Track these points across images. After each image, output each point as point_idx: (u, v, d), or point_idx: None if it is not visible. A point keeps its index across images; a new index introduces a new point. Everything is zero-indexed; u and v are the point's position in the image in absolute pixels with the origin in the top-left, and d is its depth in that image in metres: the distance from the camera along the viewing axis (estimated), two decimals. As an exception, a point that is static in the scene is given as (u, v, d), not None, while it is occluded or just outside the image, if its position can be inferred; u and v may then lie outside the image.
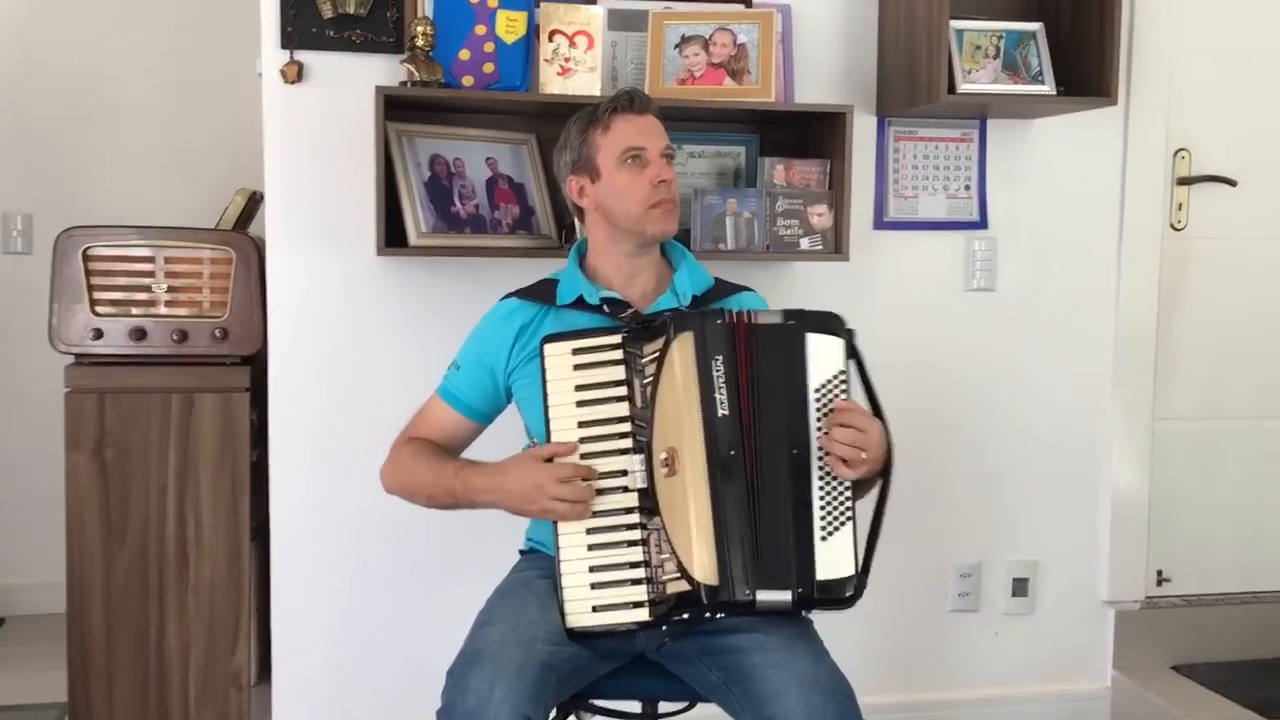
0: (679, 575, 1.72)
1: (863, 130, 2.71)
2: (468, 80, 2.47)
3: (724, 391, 1.75)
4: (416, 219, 2.42)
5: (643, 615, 1.76)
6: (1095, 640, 3.00)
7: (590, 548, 1.78)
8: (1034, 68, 2.61)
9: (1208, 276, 3.01)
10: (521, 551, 2.09)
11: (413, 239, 2.41)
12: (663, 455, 1.75)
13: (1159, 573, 3.03)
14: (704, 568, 1.71)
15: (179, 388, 2.57)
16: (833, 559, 1.73)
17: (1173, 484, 3.02)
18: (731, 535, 1.72)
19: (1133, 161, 2.89)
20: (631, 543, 1.77)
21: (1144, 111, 2.88)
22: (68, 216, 2.88)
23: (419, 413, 2.07)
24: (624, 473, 1.79)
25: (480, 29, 2.47)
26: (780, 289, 2.65)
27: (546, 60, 2.46)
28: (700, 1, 2.61)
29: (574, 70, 2.46)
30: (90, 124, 3.62)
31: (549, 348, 1.83)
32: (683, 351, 1.76)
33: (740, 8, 2.60)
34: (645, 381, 1.78)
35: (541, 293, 2.02)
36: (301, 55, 2.51)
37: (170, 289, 2.59)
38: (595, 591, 1.77)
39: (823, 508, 1.75)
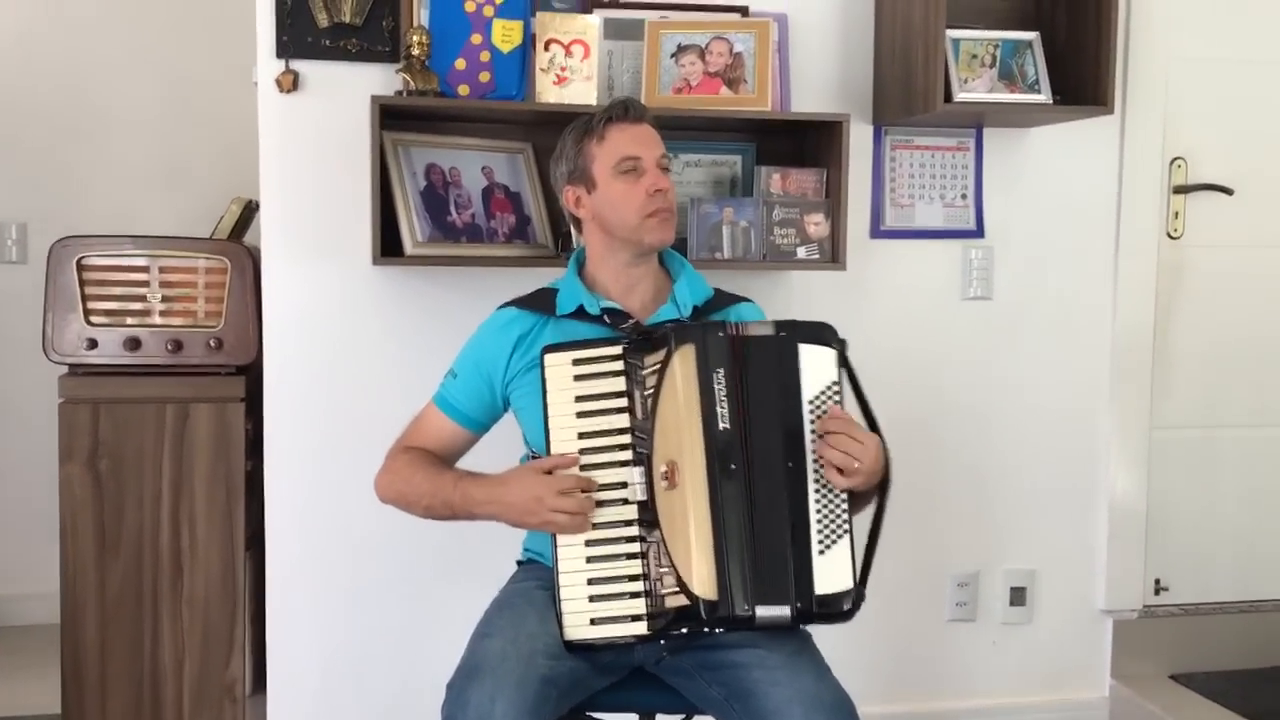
0: (678, 589, 1.71)
1: (859, 139, 2.71)
2: (464, 89, 2.47)
3: (725, 405, 1.74)
4: (412, 228, 2.41)
5: (641, 629, 1.75)
6: (1093, 650, 2.99)
7: (589, 560, 1.77)
8: (1030, 77, 2.61)
9: (1204, 285, 3.01)
10: (519, 562, 2.08)
11: (408, 248, 2.40)
12: (663, 468, 1.74)
13: (1157, 582, 3.03)
14: (703, 582, 1.70)
15: (174, 398, 2.57)
16: (830, 573, 1.72)
17: (1170, 493, 3.01)
18: (731, 550, 1.71)
19: (1129, 170, 2.89)
20: (630, 555, 1.76)
21: (1140, 120, 2.88)
22: (63, 226, 2.87)
23: (414, 421, 2.06)
24: (624, 485, 1.78)
25: (476, 38, 2.47)
26: (777, 298, 2.65)
27: (542, 69, 2.45)
28: (696, 11, 2.61)
29: (570, 79, 2.46)
30: (85, 133, 3.61)
31: (549, 358, 1.82)
32: (684, 364, 1.75)
33: (736, 17, 2.60)
34: (646, 393, 1.77)
35: (540, 302, 2.01)
36: (297, 64, 2.50)
37: (165, 299, 2.58)
38: (594, 604, 1.76)
39: (819, 521, 1.74)
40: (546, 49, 2.45)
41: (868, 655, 2.78)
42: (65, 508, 2.55)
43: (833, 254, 2.56)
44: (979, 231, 2.84)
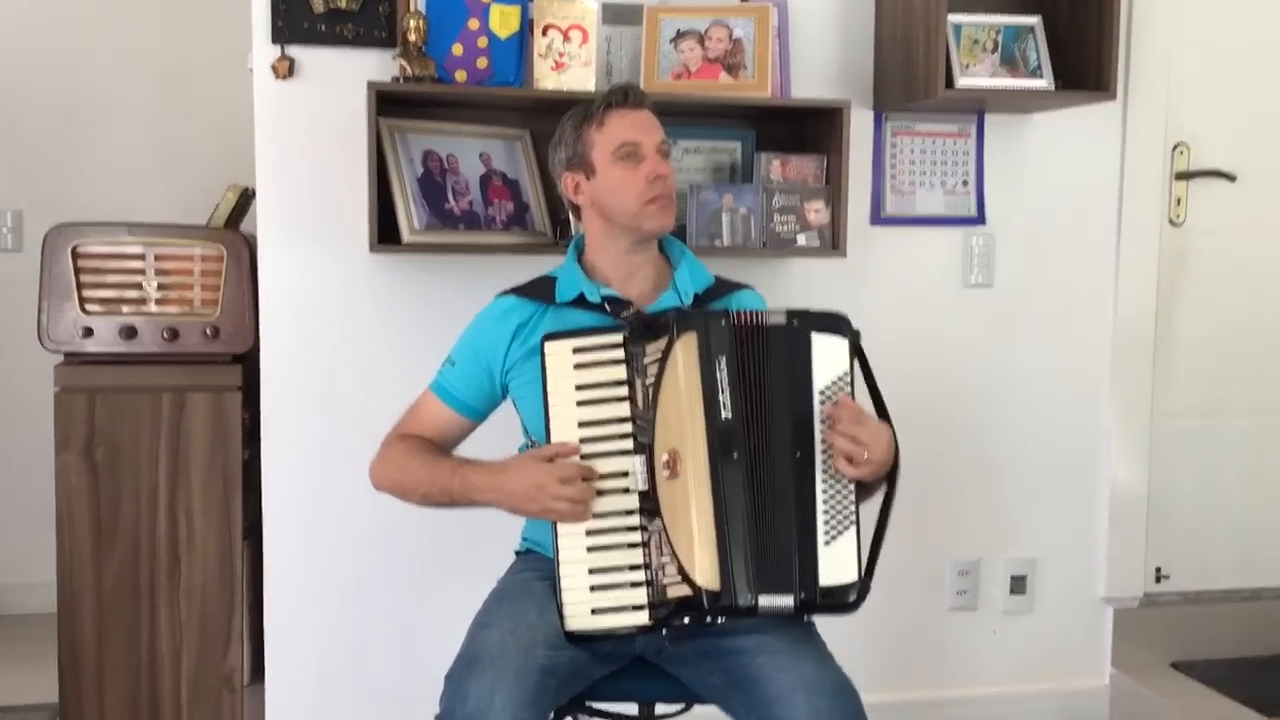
0: (680, 579, 1.69)
1: (860, 125, 2.69)
2: (461, 75, 2.45)
3: (728, 393, 1.72)
4: (409, 216, 2.39)
5: (643, 618, 1.74)
6: (1094, 638, 2.99)
7: (590, 549, 1.76)
8: (1032, 62, 2.59)
9: (1206, 272, 3.00)
10: (518, 552, 2.07)
11: (406, 236, 2.39)
12: (664, 457, 1.73)
13: (1158, 570, 3.02)
14: (705, 572, 1.69)
15: (170, 386, 2.55)
16: (836, 564, 1.71)
17: (1171, 480, 3.01)
18: (734, 539, 1.69)
19: (1131, 156, 2.87)
20: (632, 545, 1.75)
21: (1142, 106, 2.86)
22: (58, 213, 2.85)
23: (411, 408, 2.04)
24: (624, 474, 1.77)
25: (474, 23, 2.45)
26: (777, 286, 2.63)
27: (540, 55, 2.43)
28: (696, -5, 2.59)
29: (568, 65, 2.44)
30: (80, 120, 3.60)
31: (549, 346, 1.81)
32: (686, 352, 1.74)
33: (736, 2, 2.58)
34: (647, 382, 1.76)
35: (539, 290, 1.99)
36: (293, 50, 2.48)
37: (161, 287, 2.56)
38: (595, 594, 1.75)
39: (826, 512, 1.73)
40: (544, 34, 2.43)
41: (868, 643, 2.77)
42: (61, 497, 2.54)
43: (833, 241, 2.54)
44: (980, 218, 2.82)
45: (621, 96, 1.95)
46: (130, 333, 2.54)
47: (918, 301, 2.81)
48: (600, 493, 1.77)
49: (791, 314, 1.78)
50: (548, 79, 2.44)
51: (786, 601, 1.69)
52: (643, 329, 1.79)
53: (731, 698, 1.75)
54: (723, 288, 2.03)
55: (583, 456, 1.78)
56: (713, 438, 1.72)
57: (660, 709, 1.97)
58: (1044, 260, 2.87)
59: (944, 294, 2.83)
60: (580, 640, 1.75)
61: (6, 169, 3.58)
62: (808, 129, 2.64)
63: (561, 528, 1.77)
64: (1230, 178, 2.96)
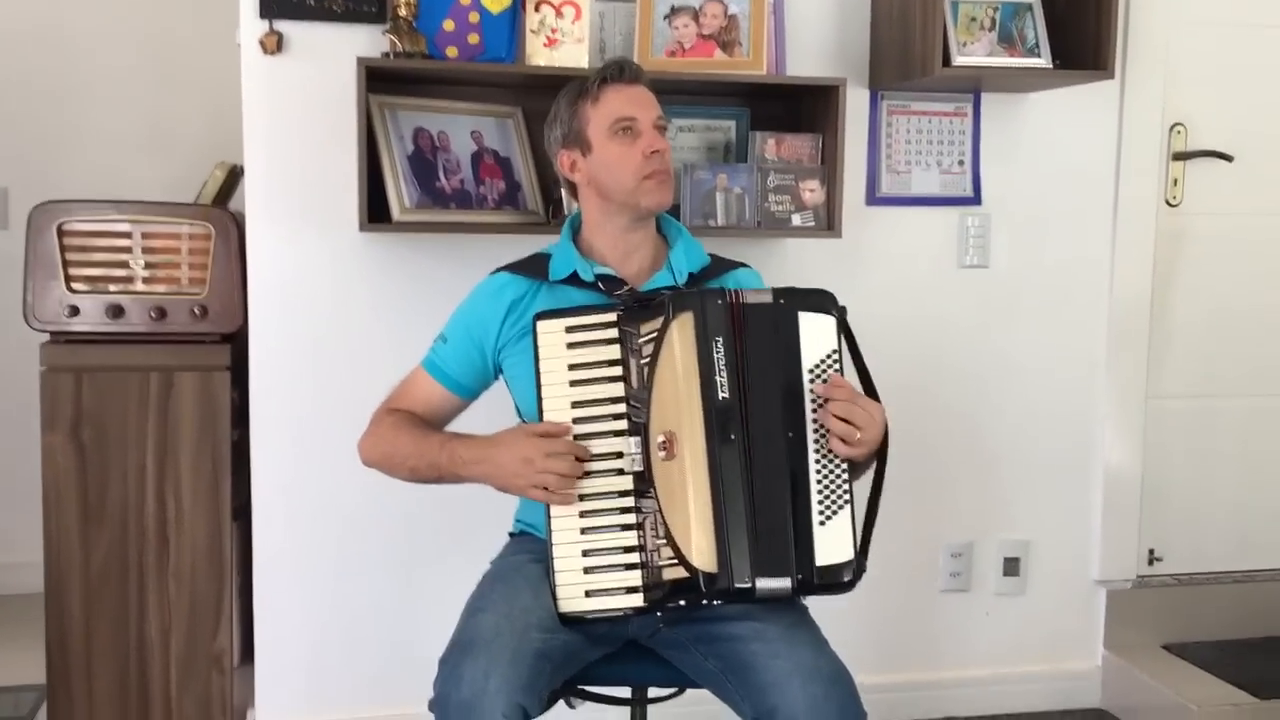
0: (675, 561, 1.68)
1: (855, 104, 2.67)
2: (452, 51, 2.42)
3: (724, 374, 1.71)
4: (400, 194, 2.37)
5: (637, 601, 1.72)
6: (1086, 620, 2.99)
7: (584, 531, 1.74)
8: (1030, 40, 2.56)
9: (1203, 253, 2.99)
10: (511, 534, 2.05)
11: (396, 214, 2.36)
12: (660, 438, 1.71)
13: (1151, 552, 3.02)
14: (703, 555, 1.67)
15: (158, 366, 2.53)
16: (831, 543, 1.69)
17: (1165, 463, 3.00)
18: (732, 522, 1.68)
19: (1128, 136, 2.85)
20: (626, 526, 1.74)
21: (1140, 85, 2.84)
22: (45, 190, 2.82)
23: (401, 385, 2.02)
24: (618, 454, 1.75)
25: (465, -1, 2.41)
26: (771, 266, 2.60)
27: (533, 31, 2.41)
28: (690, -29, 2.56)
29: (561, 41, 2.41)
30: (66, 96, 3.56)
31: (542, 325, 1.78)
32: (682, 332, 1.72)
33: (731, -22, 2.55)
34: (642, 362, 1.74)
35: (534, 267, 1.97)
36: (281, 25, 2.45)
37: (148, 265, 2.54)
38: (589, 576, 1.73)
39: (820, 491, 1.71)
40: (537, 10, 2.40)
41: (861, 625, 2.77)
42: (48, 478, 2.51)
43: (828, 221, 2.52)
44: (976, 199, 2.80)
45: (617, 71, 1.92)
46: (117, 311, 2.51)
47: (912, 282, 2.79)
48: (594, 473, 1.75)
49: (778, 292, 1.76)
50: (540, 55, 2.41)
51: (784, 583, 1.67)
52: (637, 308, 1.77)
53: (726, 683, 1.74)
54: (720, 266, 2.01)
55: (576, 437, 1.76)
56: (710, 419, 1.70)
57: (653, 692, 1.96)
58: (1040, 241, 2.85)
59: (939, 275, 2.81)
60: (574, 623, 1.74)
61: (-8, 145, 3.55)
62: (803, 107, 2.61)
63: (554, 509, 1.76)
64: (1228, 158, 2.95)
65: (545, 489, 1.74)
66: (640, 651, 1.87)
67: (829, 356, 1.75)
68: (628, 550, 1.73)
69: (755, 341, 1.73)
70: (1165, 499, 3.01)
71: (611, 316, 1.78)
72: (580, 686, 1.87)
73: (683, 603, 1.70)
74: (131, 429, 2.52)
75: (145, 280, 2.53)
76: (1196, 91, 2.92)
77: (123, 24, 3.56)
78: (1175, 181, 2.95)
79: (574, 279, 1.93)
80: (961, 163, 2.78)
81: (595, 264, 1.94)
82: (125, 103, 3.58)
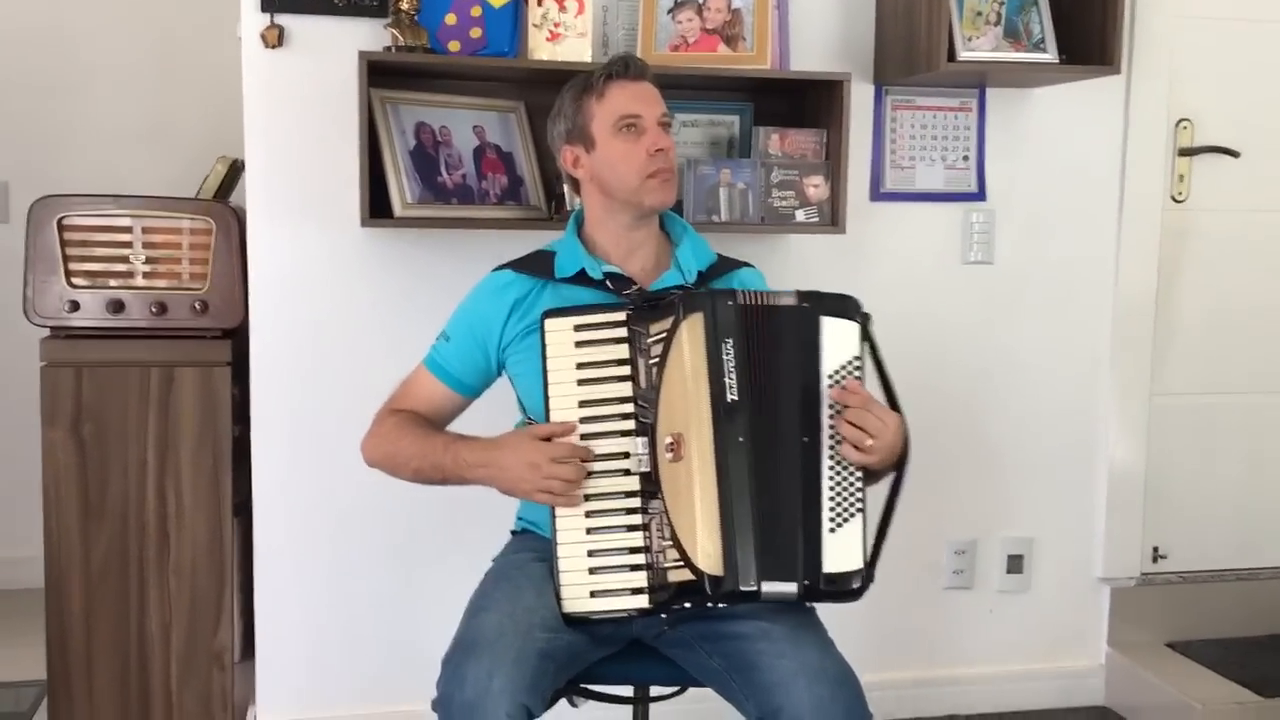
0: (681, 563, 1.67)
1: (859, 99, 2.66)
2: (454, 46, 2.40)
3: (734, 376, 1.69)
4: (401, 189, 2.35)
5: (642, 602, 1.71)
6: (1090, 617, 2.98)
7: (589, 531, 1.73)
8: (1036, 35, 2.55)
9: (1208, 250, 2.97)
10: (513, 531, 2.04)
11: (398, 210, 2.35)
12: (668, 439, 1.69)
13: (1155, 549, 3.01)
14: (709, 557, 1.66)
15: (158, 361, 2.52)
16: (841, 551, 1.68)
17: (1170, 460, 2.99)
18: (739, 524, 1.66)
19: (1134, 132, 2.84)
20: (631, 527, 1.72)
21: (1146, 81, 2.83)
22: (45, 184, 2.80)
23: (404, 384, 2.01)
24: (625, 455, 1.74)
25: (467, -8, 2.40)
26: (774, 262, 2.60)
27: (535, 25, 2.39)
28: (694, -35, 2.54)
29: (564, 36, 2.39)
30: (67, 90, 3.55)
31: (550, 323, 1.77)
32: (692, 333, 1.70)
33: (735, -28, 2.54)
34: (651, 362, 1.72)
35: (538, 265, 1.95)
36: (282, 19, 2.43)
37: (149, 260, 2.52)
38: (594, 576, 1.72)
39: (833, 498, 1.70)
40: (540, 4, 2.39)
41: (863, 622, 2.73)
42: (48, 474, 2.50)
43: (832, 217, 2.51)
44: (980, 194, 2.79)
45: (622, 67, 1.91)
46: (118, 306, 2.50)
47: (916, 279, 2.78)
48: (600, 473, 1.73)
49: (802, 295, 1.75)
50: (542, 50, 2.39)
51: (790, 588, 1.66)
52: (647, 308, 1.76)
53: (730, 683, 1.73)
54: (725, 265, 2.00)
55: (583, 437, 1.75)
56: (718, 420, 1.68)
57: (655, 691, 1.96)
58: (1044, 237, 2.84)
59: (943, 271, 2.80)
60: (578, 623, 1.73)
61: (-8, 138, 3.54)
62: (807, 102, 2.60)
63: (560, 509, 1.74)
64: (1234, 154, 2.93)
65: (551, 494, 1.73)
66: (643, 650, 1.86)
67: (850, 363, 1.74)
68: (633, 551, 1.72)
69: (772, 344, 1.72)
70: (1169, 496, 3.00)
71: (621, 316, 1.76)
72: (583, 685, 1.86)
73: (688, 605, 1.70)
74: (132, 424, 2.51)
75: (146, 275, 2.52)
76: (1202, 87, 2.90)
77: (123, 18, 3.54)
78: (1181, 177, 2.94)
79: (580, 277, 1.91)
80: (966, 158, 2.77)
81: (602, 262, 1.92)
82: (126, 97, 3.56)
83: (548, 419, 1.76)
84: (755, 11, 2.47)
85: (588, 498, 1.74)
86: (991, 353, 2.84)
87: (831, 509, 1.69)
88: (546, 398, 1.76)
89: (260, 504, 2.55)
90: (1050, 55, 2.54)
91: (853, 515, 1.70)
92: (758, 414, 1.70)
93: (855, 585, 1.69)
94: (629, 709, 1.98)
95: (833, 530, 1.69)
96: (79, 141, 3.54)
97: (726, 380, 1.69)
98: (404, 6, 2.31)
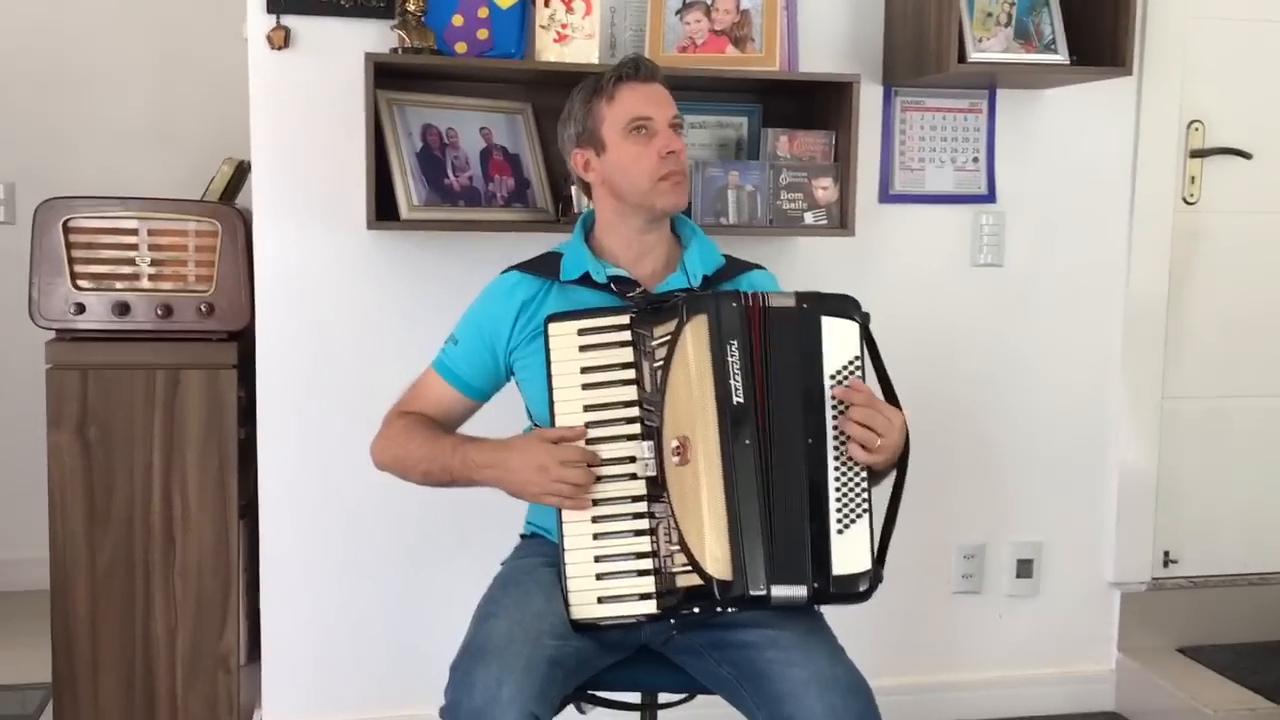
0: (689, 568, 1.65)
1: (869, 100, 2.64)
2: (461, 47, 2.39)
3: (739, 378, 1.68)
4: (408, 191, 2.34)
5: (650, 607, 1.70)
6: (1100, 622, 2.96)
7: (596, 536, 1.72)
8: (1046, 36, 2.53)
9: (1220, 252, 2.96)
10: (522, 535, 2.03)
11: (404, 212, 2.34)
12: (674, 443, 1.68)
13: (1165, 554, 2.99)
14: (717, 561, 1.64)
15: (164, 364, 2.51)
16: (849, 552, 1.67)
17: (1181, 464, 2.97)
18: (747, 528, 1.65)
19: (1145, 133, 2.82)
20: (639, 532, 1.71)
21: (1157, 82, 2.81)
22: (51, 186, 2.81)
23: (413, 387, 2.00)
24: (631, 459, 1.72)
25: (474, -7, 2.39)
26: (783, 265, 2.58)
27: (543, 26, 2.38)
28: (702, -34, 2.53)
29: (571, 37, 2.38)
30: (72, 92, 3.55)
31: (554, 327, 1.76)
32: (696, 335, 1.69)
33: (744, -28, 2.52)
34: (655, 365, 1.71)
35: (545, 267, 1.94)
36: (289, 20, 2.43)
37: (154, 262, 2.52)
38: (601, 582, 1.71)
39: (839, 499, 1.69)
40: (547, 5, 2.38)
41: (873, 627, 2.73)
42: (54, 476, 2.50)
43: (841, 219, 2.50)
44: (990, 196, 2.77)
45: (633, 69, 1.89)
46: (123, 309, 2.49)
47: (926, 281, 2.77)
48: (606, 478, 1.72)
49: (801, 296, 1.74)
50: (550, 51, 2.38)
51: (800, 592, 1.65)
52: (650, 311, 1.75)
53: (740, 691, 1.72)
54: (734, 268, 1.99)
55: (588, 441, 1.74)
56: (724, 423, 1.67)
57: (663, 698, 1.95)
58: (1055, 239, 2.82)
59: (953, 273, 2.78)
60: (586, 629, 1.72)
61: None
62: (816, 104, 2.58)
63: (566, 514, 1.74)
64: (1246, 156, 2.91)
65: (559, 497, 1.72)
66: (652, 656, 1.84)
67: (851, 363, 1.73)
68: (641, 556, 1.71)
69: (775, 346, 1.71)
70: (1180, 501, 2.98)
71: (624, 319, 1.75)
72: (590, 691, 1.85)
73: (696, 610, 1.68)
74: (138, 427, 2.50)
75: (151, 277, 2.51)
76: (1214, 88, 2.89)
77: (129, 19, 3.54)
78: (1192, 179, 2.92)
79: (586, 280, 1.90)
80: (976, 160, 2.75)
81: (608, 265, 1.91)
82: (132, 98, 3.56)
83: (553, 423, 1.75)
84: (764, 12, 2.46)
85: (595, 502, 1.73)
86: (1001, 356, 2.83)
87: (838, 510, 1.68)
88: (551, 402, 1.75)
89: (266, 506, 2.55)
90: (1061, 56, 2.53)
91: (859, 516, 1.69)
92: (763, 416, 1.68)
93: (864, 587, 1.68)
94: (637, 716, 1.97)
95: (840, 531, 1.68)
96: (85, 143, 3.54)
97: (732, 382, 1.68)
98: (410, 8, 2.30)
